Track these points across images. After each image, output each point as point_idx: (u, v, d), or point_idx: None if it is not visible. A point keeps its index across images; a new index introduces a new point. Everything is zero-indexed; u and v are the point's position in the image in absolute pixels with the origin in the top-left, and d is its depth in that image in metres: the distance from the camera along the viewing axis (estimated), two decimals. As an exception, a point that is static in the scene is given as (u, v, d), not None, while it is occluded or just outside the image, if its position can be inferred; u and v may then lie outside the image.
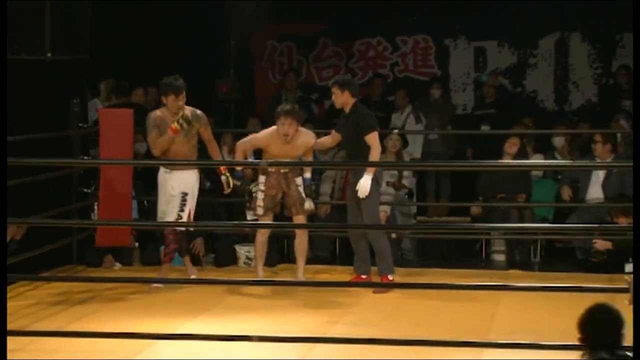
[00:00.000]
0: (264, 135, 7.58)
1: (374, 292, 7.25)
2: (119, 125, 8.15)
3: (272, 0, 10.83)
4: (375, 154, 7.33)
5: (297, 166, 7.55)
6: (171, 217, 7.42)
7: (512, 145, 8.70)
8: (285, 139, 7.42)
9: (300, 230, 7.65)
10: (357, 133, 7.35)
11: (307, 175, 7.64)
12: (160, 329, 6.13)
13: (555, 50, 11.58)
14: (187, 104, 7.48)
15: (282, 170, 7.50)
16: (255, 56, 12.10)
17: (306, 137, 7.60)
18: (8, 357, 5.49)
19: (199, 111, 7.55)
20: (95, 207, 8.35)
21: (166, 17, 10.59)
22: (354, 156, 7.42)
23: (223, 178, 7.49)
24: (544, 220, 8.91)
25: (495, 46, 11.67)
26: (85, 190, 8.59)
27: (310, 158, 7.78)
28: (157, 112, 7.53)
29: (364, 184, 7.23)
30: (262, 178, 7.57)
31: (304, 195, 7.58)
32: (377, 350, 5.61)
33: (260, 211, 7.55)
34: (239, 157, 7.58)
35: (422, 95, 11.07)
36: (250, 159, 7.71)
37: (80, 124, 8.49)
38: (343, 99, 7.43)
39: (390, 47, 11.92)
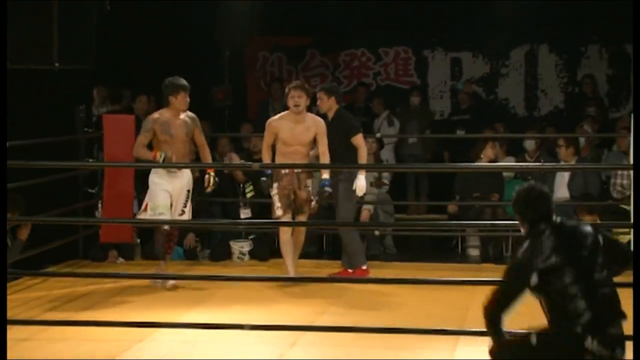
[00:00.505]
0: (272, 124, 7.25)
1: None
2: (121, 130, 8.14)
3: (263, 15, 10.82)
4: (363, 154, 7.40)
5: (290, 168, 7.27)
6: (177, 214, 7.21)
7: (489, 149, 8.75)
8: (296, 109, 7.13)
9: (299, 231, 7.42)
10: (343, 136, 7.35)
11: (326, 176, 7.30)
12: (160, 318, 6.13)
13: (525, 61, 11.61)
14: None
15: (295, 171, 7.22)
16: (248, 66, 12.09)
17: (315, 119, 7.30)
18: (19, 346, 5.50)
19: (193, 114, 7.37)
20: (100, 206, 8.34)
21: (167, 30, 10.57)
22: (341, 158, 7.38)
23: (206, 177, 7.30)
24: (515, 217, 8.92)
25: (470, 57, 11.69)
26: (90, 190, 8.57)
27: (325, 142, 7.28)
28: (156, 115, 7.25)
29: (361, 184, 7.30)
30: (274, 184, 7.27)
31: (312, 197, 7.34)
32: (361, 338, 5.63)
33: (279, 212, 7.24)
34: (265, 157, 7.28)
35: (403, 102, 11.09)
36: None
37: (85, 129, 8.47)
38: (328, 105, 7.45)
39: (373, 58, 11.94)
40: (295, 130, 7.17)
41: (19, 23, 7.91)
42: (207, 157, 7.47)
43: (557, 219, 4.28)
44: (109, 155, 8.03)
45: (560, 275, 4.10)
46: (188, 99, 7.21)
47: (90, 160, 8.43)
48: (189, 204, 7.28)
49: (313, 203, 7.38)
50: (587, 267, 4.12)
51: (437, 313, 6.38)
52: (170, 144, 7.15)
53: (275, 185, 7.24)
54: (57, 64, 8.10)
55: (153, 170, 7.20)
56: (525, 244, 4.23)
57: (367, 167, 7.74)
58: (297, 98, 7.13)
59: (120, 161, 7.93)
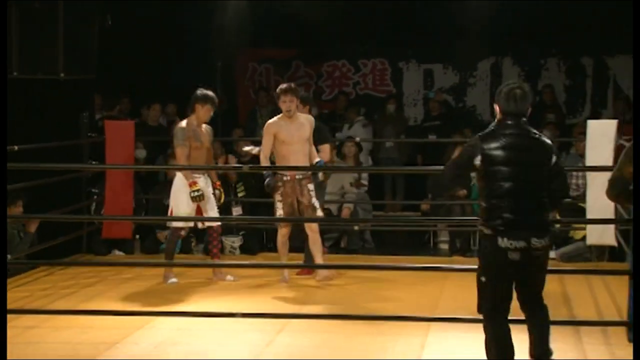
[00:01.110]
0: (270, 126, 6.90)
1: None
2: (122, 135, 8.11)
3: (252, 29, 10.80)
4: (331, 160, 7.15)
5: (280, 170, 7.03)
6: (213, 213, 7.03)
7: (457, 152, 8.73)
8: (288, 114, 6.82)
9: (313, 231, 6.96)
10: (314, 143, 7.00)
11: (318, 159, 6.94)
12: (158, 307, 6.12)
13: (490, 72, 11.64)
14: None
15: (297, 177, 6.86)
16: (239, 76, 12.07)
17: (306, 116, 7.01)
18: (27, 333, 5.47)
19: (209, 127, 7.17)
20: (102, 205, 8.31)
21: (164, 43, 10.53)
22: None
23: (217, 192, 7.12)
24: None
25: (441, 68, 11.72)
26: (93, 190, 8.53)
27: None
28: (183, 124, 7.01)
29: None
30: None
31: (315, 202, 6.90)
32: (342, 325, 5.63)
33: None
34: (264, 160, 6.90)
35: (380, 109, 11.10)
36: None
37: (89, 134, 8.43)
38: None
39: (353, 69, 11.94)
40: (292, 128, 6.85)
41: (27, 37, 7.90)
42: (210, 164, 7.27)
43: (526, 124, 4.28)
44: (111, 158, 7.99)
45: (498, 170, 4.19)
46: (212, 113, 7.02)
47: (93, 162, 8.39)
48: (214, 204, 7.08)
49: (319, 212, 6.96)
50: (524, 172, 4.19)
51: (411, 302, 6.39)
52: (200, 150, 6.98)
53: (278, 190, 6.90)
54: (62, 74, 8.08)
55: (178, 175, 6.99)
56: (488, 129, 4.31)
57: (349, 170, 7.68)
58: (288, 103, 6.84)
59: (121, 163, 7.90)
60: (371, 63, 11.90)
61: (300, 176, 6.87)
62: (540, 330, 4.31)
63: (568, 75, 11.43)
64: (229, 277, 7.11)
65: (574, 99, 11.41)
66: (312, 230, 6.96)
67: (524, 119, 4.29)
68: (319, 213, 6.98)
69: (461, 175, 4.42)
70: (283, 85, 6.98)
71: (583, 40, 11.01)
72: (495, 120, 4.36)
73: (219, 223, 7.22)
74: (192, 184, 6.84)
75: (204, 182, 7.00)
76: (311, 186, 6.90)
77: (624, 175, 4.25)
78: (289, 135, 6.83)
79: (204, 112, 6.98)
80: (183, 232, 7.20)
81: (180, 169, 7.09)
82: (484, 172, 4.24)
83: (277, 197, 6.88)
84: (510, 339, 4.29)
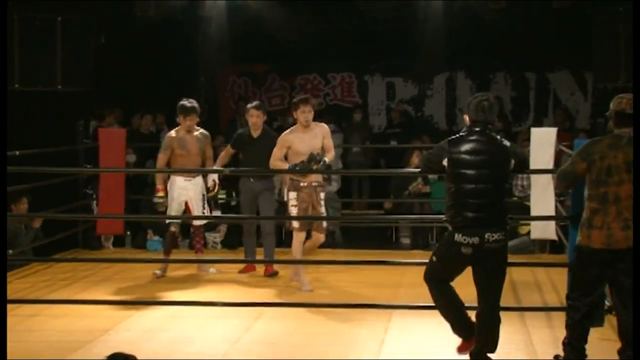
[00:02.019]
0: (284, 140, 6.37)
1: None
2: (114, 141, 8.04)
3: (232, 46, 10.74)
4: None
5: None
6: (199, 213, 6.86)
7: (416, 157, 8.80)
8: (306, 124, 6.29)
9: (320, 237, 6.50)
10: (270, 150, 6.43)
11: (325, 158, 6.14)
12: (147, 297, 6.07)
13: (445, 85, 11.68)
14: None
15: (313, 184, 6.31)
16: (220, 88, 12.01)
17: (318, 124, 6.46)
18: (27, 321, 5.40)
19: (205, 132, 6.98)
20: (96, 204, 8.22)
21: (153, 59, 10.44)
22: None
23: (212, 182, 6.94)
24: (439, 212, 8.99)
25: (402, 81, 11.73)
26: (88, 191, 8.45)
27: (331, 143, 6.43)
28: (171, 133, 6.89)
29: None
30: (292, 194, 6.29)
31: (323, 209, 6.40)
32: (313, 312, 5.63)
33: (296, 224, 6.29)
34: (279, 165, 6.37)
35: (347, 118, 11.11)
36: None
37: (84, 140, 8.36)
38: (261, 121, 6.96)
39: (323, 82, 11.92)
40: (306, 139, 6.31)
41: (28, 53, 7.84)
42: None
43: (492, 131, 4.33)
44: (104, 162, 7.92)
45: (463, 172, 4.25)
46: (188, 122, 6.79)
47: (88, 166, 8.31)
48: (206, 206, 6.98)
49: (324, 224, 6.46)
50: (486, 174, 4.23)
51: (375, 291, 6.39)
52: (186, 157, 6.85)
53: (294, 195, 6.30)
54: (60, 87, 8.01)
55: (172, 179, 6.85)
56: (457, 135, 4.36)
57: (321, 172, 7.48)
58: (307, 113, 6.31)
59: (113, 167, 7.84)
60: (340, 76, 11.89)
61: (316, 183, 6.36)
62: (486, 323, 4.34)
63: (514, 88, 11.52)
64: (212, 269, 7.06)
65: (519, 109, 11.49)
66: (320, 237, 6.50)
67: (490, 127, 4.33)
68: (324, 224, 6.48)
69: (432, 169, 4.52)
70: (302, 96, 6.54)
71: (527, 58, 11.11)
72: (465, 127, 4.40)
73: (204, 222, 7.15)
74: (157, 190, 6.84)
75: (192, 185, 6.88)
76: (323, 194, 6.43)
77: (575, 170, 4.34)
78: (304, 145, 6.28)
79: (186, 121, 6.86)
80: (173, 229, 7.08)
81: (172, 172, 6.99)
82: (450, 173, 4.28)
83: (293, 201, 6.30)
84: (453, 294, 4.39)
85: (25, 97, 7.93)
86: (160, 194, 6.87)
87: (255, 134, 6.94)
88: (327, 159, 6.11)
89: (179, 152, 6.88)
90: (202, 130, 7.01)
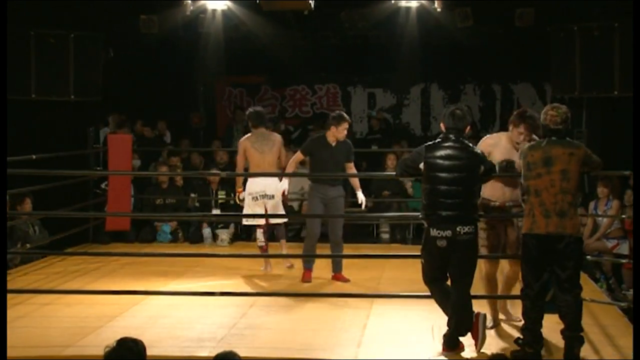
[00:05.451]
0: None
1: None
2: (121, 147, 8.03)
3: (228, 59, 10.74)
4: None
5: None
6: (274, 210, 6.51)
7: (392, 160, 8.82)
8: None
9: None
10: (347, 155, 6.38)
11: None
12: (151, 287, 6.07)
13: (421, 95, 11.73)
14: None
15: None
16: (217, 97, 11.98)
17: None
18: (43, 308, 5.39)
19: (273, 134, 6.71)
20: (105, 203, 8.21)
21: (156, 71, 10.42)
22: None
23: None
24: (415, 210, 9.03)
25: (382, 92, 11.76)
26: (98, 191, 8.43)
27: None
28: (244, 139, 6.57)
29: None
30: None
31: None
32: (302, 300, 5.65)
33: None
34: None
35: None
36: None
37: (94, 145, 8.34)
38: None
39: (311, 92, 11.94)
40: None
41: (44, 66, 7.82)
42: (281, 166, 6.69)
43: (464, 138, 4.40)
44: (112, 165, 7.91)
45: (437, 175, 4.31)
46: (263, 129, 6.53)
47: (98, 168, 8.30)
48: (280, 204, 6.63)
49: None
50: (458, 177, 4.29)
51: (358, 281, 6.42)
52: (262, 156, 6.52)
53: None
54: (72, 97, 8.00)
55: (249, 181, 6.54)
56: (434, 141, 4.42)
57: (308, 175, 7.44)
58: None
59: (121, 170, 7.83)
60: (325, 87, 11.91)
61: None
62: (457, 309, 4.40)
63: (482, 98, 11.60)
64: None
65: (486, 117, 11.57)
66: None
67: (463, 134, 4.39)
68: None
69: (408, 172, 4.55)
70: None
71: (493, 71, 11.19)
72: (441, 134, 4.45)
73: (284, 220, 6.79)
74: (239, 191, 6.63)
75: (273, 185, 6.48)
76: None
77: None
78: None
79: (255, 129, 6.56)
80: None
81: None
82: (426, 175, 4.33)
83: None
84: (448, 291, 4.43)
85: (40, 106, 7.91)
86: (239, 194, 6.59)
87: (334, 141, 6.35)
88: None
89: (254, 153, 6.53)
90: (275, 134, 6.75)
